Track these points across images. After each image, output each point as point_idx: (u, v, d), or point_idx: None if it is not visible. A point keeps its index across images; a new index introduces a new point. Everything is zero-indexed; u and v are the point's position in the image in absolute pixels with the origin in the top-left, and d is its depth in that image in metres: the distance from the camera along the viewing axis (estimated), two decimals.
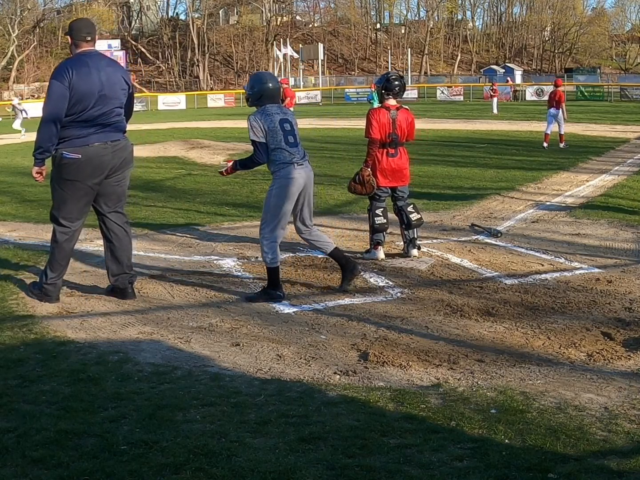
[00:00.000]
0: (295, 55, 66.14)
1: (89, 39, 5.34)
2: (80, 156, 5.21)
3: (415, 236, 6.99)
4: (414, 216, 6.92)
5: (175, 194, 11.41)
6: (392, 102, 6.87)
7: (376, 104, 28.55)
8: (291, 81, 68.66)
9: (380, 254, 6.87)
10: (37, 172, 5.34)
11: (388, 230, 7.09)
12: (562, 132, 17.54)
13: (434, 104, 43.56)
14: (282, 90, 22.54)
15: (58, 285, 5.54)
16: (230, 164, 6.00)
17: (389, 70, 71.77)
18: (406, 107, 7.07)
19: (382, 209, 6.89)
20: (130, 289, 5.63)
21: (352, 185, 6.96)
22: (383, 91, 6.85)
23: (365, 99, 41.14)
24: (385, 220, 6.88)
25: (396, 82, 6.85)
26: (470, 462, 3.01)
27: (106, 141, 5.29)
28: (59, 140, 5.19)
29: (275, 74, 65.62)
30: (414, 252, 6.93)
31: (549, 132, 17.43)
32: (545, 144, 17.31)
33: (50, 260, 5.52)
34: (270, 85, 5.58)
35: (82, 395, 3.73)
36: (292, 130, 5.53)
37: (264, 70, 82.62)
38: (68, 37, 5.39)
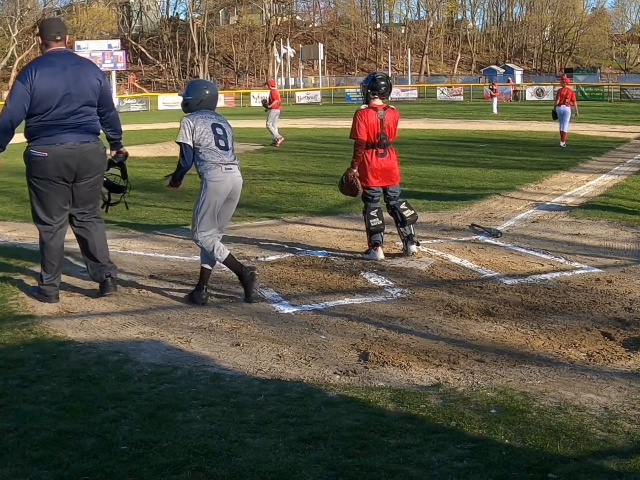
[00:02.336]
0: (292, 54, 66.02)
1: (59, 38, 5.34)
2: (46, 154, 5.24)
3: (413, 232, 6.99)
4: (408, 212, 6.93)
5: (175, 194, 11.38)
6: (378, 102, 6.87)
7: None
8: (291, 81, 68.72)
9: (380, 254, 6.85)
10: None
11: (388, 231, 7.12)
12: (566, 130, 17.43)
13: (434, 104, 43.57)
14: (270, 92, 22.51)
15: (56, 285, 5.53)
16: (169, 178, 5.78)
17: (389, 70, 71.95)
18: (392, 106, 7.09)
19: (376, 210, 6.88)
20: (109, 282, 5.61)
21: (340, 186, 7.06)
22: (369, 91, 6.83)
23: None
24: (380, 222, 6.87)
25: (382, 82, 6.85)
26: (470, 462, 3.01)
27: (74, 142, 5.26)
28: (30, 138, 5.29)
29: (276, 74, 65.66)
30: (413, 248, 6.93)
31: (565, 129, 17.34)
32: (562, 143, 17.19)
33: (42, 261, 5.56)
34: (208, 92, 5.59)
35: (82, 395, 3.73)
36: (225, 136, 5.52)
37: (265, 70, 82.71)
38: (39, 37, 5.44)
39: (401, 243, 7.13)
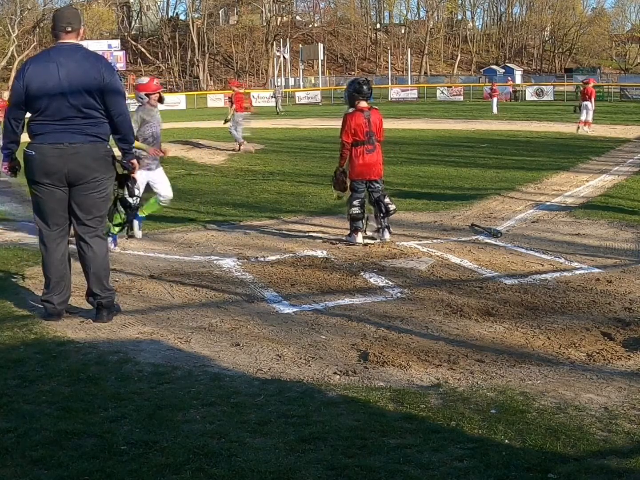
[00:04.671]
0: (285, 56, 65.89)
1: (70, 29, 4.87)
2: (34, 153, 4.85)
3: (389, 224, 7.68)
4: (391, 206, 7.60)
5: (175, 194, 11.37)
6: (363, 104, 7.57)
7: None
8: (291, 81, 68.64)
9: (359, 238, 7.50)
10: (2, 167, 5.21)
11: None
12: (590, 120, 21.42)
13: (434, 104, 43.55)
14: (232, 94, 21.49)
15: (54, 303, 5.03)
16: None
17: (389, 70, 72.07)
18: (376, 107, 7.80)
19: (359, 200, 7.54)
20: (103, 312, 5.06)
21: (333, 187, 7.77)
22: (355, 94, 7.54)
23: None
24: (360, 211, 7.53)
25: (365, 87, 7.59)
26: (470, 462, 3.01)
27: (63, 142, 4.81)
28: (29, 137, 4.95)
29: (275, 74, 65.63)
30: (387, 236, 7.60)
31: (582, 119, 21.39)
32: (580, 130, 21.01)
33: (42, 271, 5.18)
34: None
35: (82, 395, 3.73)
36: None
37: (265, 70, 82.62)
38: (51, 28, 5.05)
39: (402, 243, 7.21)
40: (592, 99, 21.62)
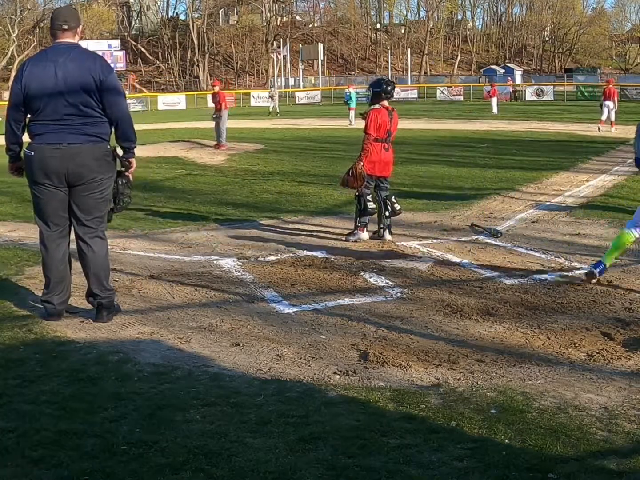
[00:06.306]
0: (283, 53, 65.83)
1: (66, 27, 4.84)
2: (33, 153, 4.82)
3: (390, 223, 7.81)
4: (397, 206, 7.76)
5: (175, 194, 11.40)
6: (386, 103, 7.71)
7: (352, 104, 28.76)
8: (291, 81, 68.67)
9: (366, 235, 7.64)
10: (9, 169, 5.12)
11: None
12: (613, 119, 22.82)
13: (434, 104, 43.56)
14: (215, 93, 21.78)
15: (54, 304, 5.01)
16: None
17: (389, 70, 72.11)
18: (394, 108, 7.94)
19: (371, 196, 7.70)
20: (103, 312, 5.05)
21: (345, 179, 7.69)
22: (382, 94, 7.68)
23: (365, 99, 41.29)
24: (375, 206, 7.67)
25: (390, 87, 7.78)
26: (470, 462, 3.01)
27: (61, 142, 4.77)
28: (29, 137, 4.93)
29: (275, 74, 65.69)
30: (388, 236, 7.68)
31: (603, 118, 22.76)
32: (601, 128, 22.25)
33: (42, 271, 5.17)
34: None
35: (82, 395, 3.73)
36: None
37: (265, 70, 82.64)
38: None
39: (402, 243, 7.23)
40: (614, 99, 23.26)
